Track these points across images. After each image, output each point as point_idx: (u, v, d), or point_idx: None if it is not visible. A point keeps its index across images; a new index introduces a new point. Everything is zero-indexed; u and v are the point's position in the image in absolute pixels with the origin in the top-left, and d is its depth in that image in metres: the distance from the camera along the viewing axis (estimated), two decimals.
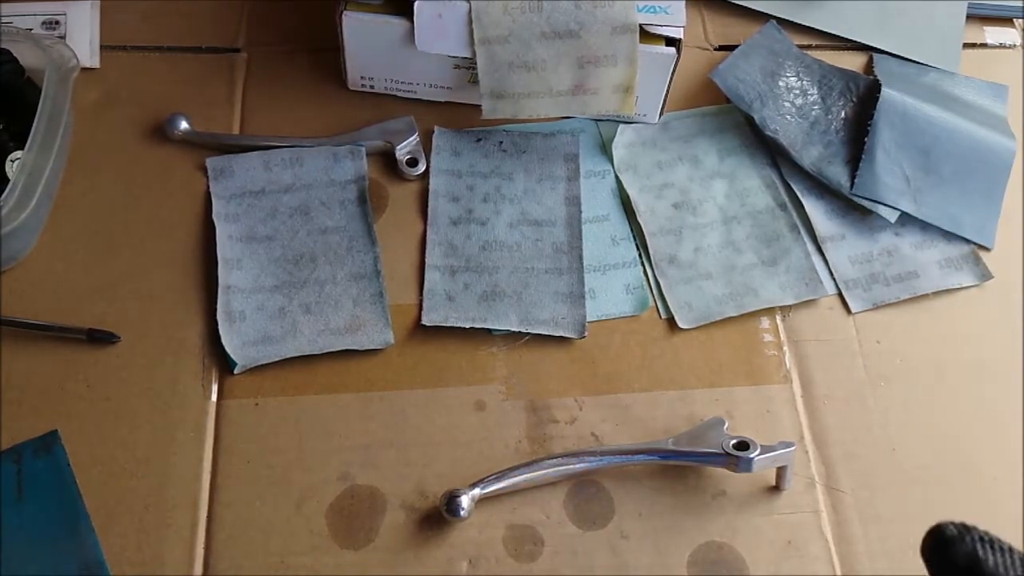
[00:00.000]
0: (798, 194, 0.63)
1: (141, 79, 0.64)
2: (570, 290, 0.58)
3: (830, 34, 0.71)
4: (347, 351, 0.55)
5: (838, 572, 0.51)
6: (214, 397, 0.54)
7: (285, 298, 0.57)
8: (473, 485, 0.51)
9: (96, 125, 0.62)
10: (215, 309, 0.56)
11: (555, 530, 0.52)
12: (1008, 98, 0.70)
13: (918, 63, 0.70)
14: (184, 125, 0.61)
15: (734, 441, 0.51)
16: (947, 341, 0.60)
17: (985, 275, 0.62)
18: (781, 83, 0.66)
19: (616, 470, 0.53)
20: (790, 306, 0.60)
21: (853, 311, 0.60)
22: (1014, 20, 0.74)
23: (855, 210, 0.63)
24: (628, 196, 0.62)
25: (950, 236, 0.63)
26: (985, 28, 0.73)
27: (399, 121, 0.63)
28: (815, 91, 0.67)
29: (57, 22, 0.65)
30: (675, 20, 0.59)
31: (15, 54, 0.59)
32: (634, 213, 0.62)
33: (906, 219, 0.63)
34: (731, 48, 0.68)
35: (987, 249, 0.63)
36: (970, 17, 0.73)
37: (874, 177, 0.63)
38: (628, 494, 0.53)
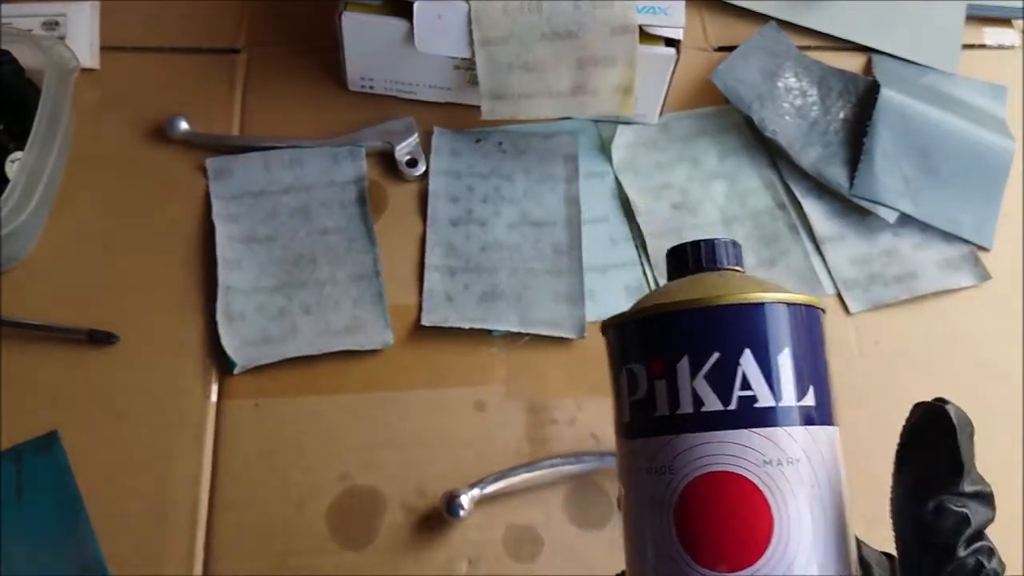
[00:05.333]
0: (797, 195, 0.63)
1: (141, 79, 0.64)
2: (570, 291, 0.59)
3: (829, 35, 0.71)
4: (347, 351, 0.56)
5: None
6: (214, 397, 0.54)
7: (285, 299, 0.57)
8: (473, 485, 0.51)
9: (96, 125, 0.62)
10: (215, 309, 0.56)
11: (555, 530, 0.52)
12: (1007, 99, 0.70)
13: (917, 64, 0.70)
14: (184, 126, 0.61)
15: None
16: (946, 341, 0.60)
17: (984, 276, 0.62)
18: (780, 84, 0.66)
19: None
20: None
21: (852, 311, 0.60)
22: (1013, 21, 0.74)
23: (854, 211, 0.63)
24: (628, 197, 0.62)
25: (949, 237, 0.63)
26: (984, 29, 0.73)
27: (399, 122, 0.63)
28: (814, 92, 0.67)
29: (57, 23, 0.65)
30: (674, 21, 0.59)
31: (15, 54, 0.59)
32: (634, 214, 0.62)
33: (905, 220, 0.63)
34: (730, 49, 0.68)
35: (986, 250, 0.63)
36: (969, 18, 0.73)
37: (873, 178, 0.63)
38: None
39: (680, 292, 0.31)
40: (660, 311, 0.30)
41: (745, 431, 0.28)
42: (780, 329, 0.29)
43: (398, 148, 0.62)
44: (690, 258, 0.33)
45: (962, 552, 0.27)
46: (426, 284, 0.58)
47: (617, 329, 0.31)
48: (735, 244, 0.33)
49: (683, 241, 0.33)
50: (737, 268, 0.33)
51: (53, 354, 0.54)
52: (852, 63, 0.70)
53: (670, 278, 0.33)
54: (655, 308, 0.30)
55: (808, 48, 0.70)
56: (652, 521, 0.29)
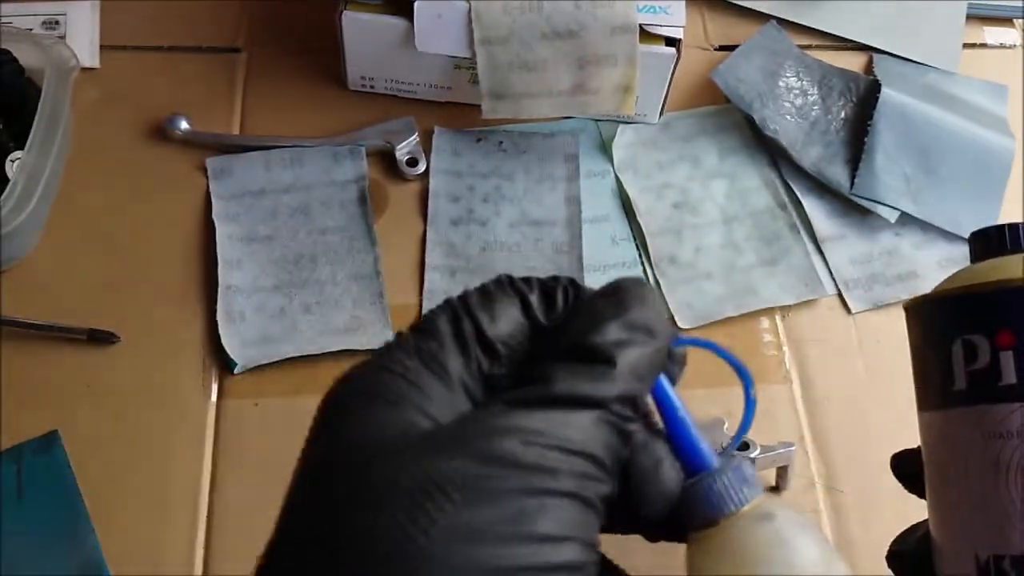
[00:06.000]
0: (798, 194, 0.63)
1: (141, 79, 0.64)
2: None
3: (830, 34, 0.71)
4: (347, 351, 0.55)
5: None
6: (214, 397, 0.54)
7: (285, 298, 0.57)
8: None
9: (96, 125, 0.62)
10: (215, 309, 0.56)
11: None
12: (1008, 98, 0.70)
13: (918, 63, 0.70)
14: (184, 125, 0.61)
15: None
16: None
17: None
18: (781, 83, 0.66)
19: None
20: (790, 306, 0.60)
21: (853, 311, 0.60)
22: (1014, 20, 0.74)
23: (855, 210, 0.63)
24: (628, 196, 0.62)
25: (950, 236, 0.63)
26: (985, 28, 0.73)
27: (399, 121, 0.63)
28: (815, 91, 0.67)
29: (57, 22, 0.65)
30: (675, 20, 0.59)
31: (15, 54, 0.59)
32: (634, 213, 0.62)
33: (906, 219, 0.63)
34: (731, 48, 0.68)
35: None
36: (970, 17, 0.73)
37: (874, 177, 0.63)
38: None
39: (1015, 269, 0.32)
40: (1012, 286, 0.32)
41: None
42: None
43: (398, 147, 0.62)
44: (1011, 238, 0.35)
45: None
46: (426, 284, 0.58)
47: (948, 303, 0.34)
48: None
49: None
50: None
51: (53, 354, 0.54)
52: (853, 62, 0.70)
53: (979, 258, 0.36)
54: (1005, 283, 0.32)
55: (809, 47, 0.70)
56: (1001, 484, 0.31)
